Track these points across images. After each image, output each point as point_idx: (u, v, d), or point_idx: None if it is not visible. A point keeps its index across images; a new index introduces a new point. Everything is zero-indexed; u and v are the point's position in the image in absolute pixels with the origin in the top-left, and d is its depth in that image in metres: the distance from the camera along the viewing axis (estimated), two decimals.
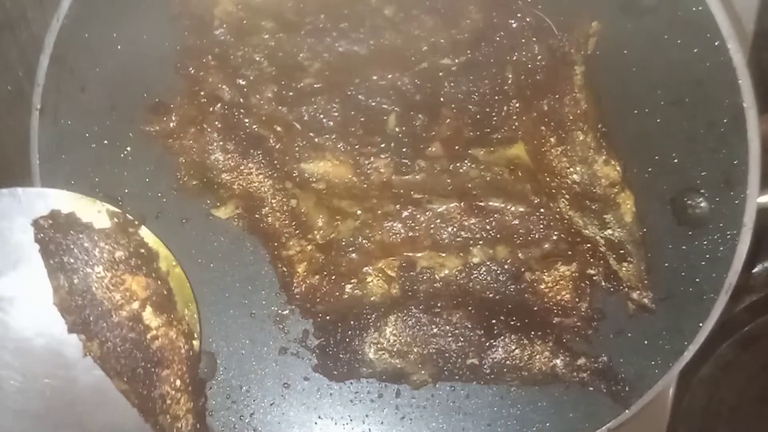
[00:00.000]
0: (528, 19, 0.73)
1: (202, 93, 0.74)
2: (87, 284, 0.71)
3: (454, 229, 0.75)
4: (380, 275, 0.76)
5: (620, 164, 0.73)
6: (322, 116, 0.74)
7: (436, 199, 0.75)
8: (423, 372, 0.75)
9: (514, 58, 0.73)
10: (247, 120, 0.74)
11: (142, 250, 0.73)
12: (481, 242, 0.75)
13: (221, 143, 0.74)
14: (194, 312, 0.76)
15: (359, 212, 0.76)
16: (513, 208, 0.75)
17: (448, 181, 0.76)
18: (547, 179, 0.75)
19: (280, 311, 0.79)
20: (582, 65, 0.73)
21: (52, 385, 0.73)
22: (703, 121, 0.72)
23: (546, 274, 0.74)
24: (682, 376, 0.79)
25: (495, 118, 0.75)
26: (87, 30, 0.73)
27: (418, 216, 0.75)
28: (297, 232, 0.76)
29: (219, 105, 0.74)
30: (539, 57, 0.73)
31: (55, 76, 0.73)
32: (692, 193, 0.73)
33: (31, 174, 0.75)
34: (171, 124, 0.75)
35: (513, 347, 0.73)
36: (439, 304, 0.74)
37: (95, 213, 0.72)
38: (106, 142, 0.76)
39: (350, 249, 0.76)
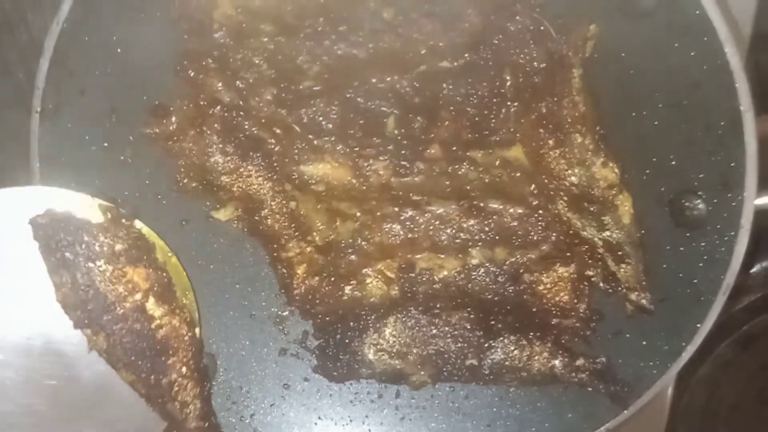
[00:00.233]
0: (526, 23, 0.72)
1: (201, 96, 0.74)
2: (89, 279, 0.71)
3: (453, 231, 0.75)
4: (379, 277, 0.76)
5: (618, 166, 0.73)
6: (321, 119, 0.74)
7: (435, 200, 0.75)
8: (422, 373, 0.75)
9: (513, 61, 0.73)
10: (246, 122, 0.74)
11: (140, 242, 0.73)
12: (480, 244, 0.75)
13: (221, 146, 0.74)
14: (193, 300, 0.76)
15: (358, 214, 0.76)
16: (512, 210, 0.75)
17: (447, 183, 0.76)
18: (546, 181, 0.75)
19: (279, 312, 0.79)
20: (580, 68, 0.73)
21: (56, 385, 0.74)
22: (701, 123, 0.72)
23: (545, 275, 0.75)
24: (680, 376, 0.79)
25: (493, 121, 0.75)
26: (87, 33, 0.73)
27: (417, 218, 0.75)
28: (296, 233, 0.76)
29: (218, 107, 0.74)
30: (537, 60, 0.73)
31: (55, 79, 0.73)
32: (690, 195, 0.73)
33: (31, 177, 0.75)
34: (171, 127, 0.75)
35: (512, 348, 0.74)
36: (438, 306, 0.74)
37: (88, 208, 0.72)
38: (106, 144, 0.76)
39: (349, 250, 0.76)
